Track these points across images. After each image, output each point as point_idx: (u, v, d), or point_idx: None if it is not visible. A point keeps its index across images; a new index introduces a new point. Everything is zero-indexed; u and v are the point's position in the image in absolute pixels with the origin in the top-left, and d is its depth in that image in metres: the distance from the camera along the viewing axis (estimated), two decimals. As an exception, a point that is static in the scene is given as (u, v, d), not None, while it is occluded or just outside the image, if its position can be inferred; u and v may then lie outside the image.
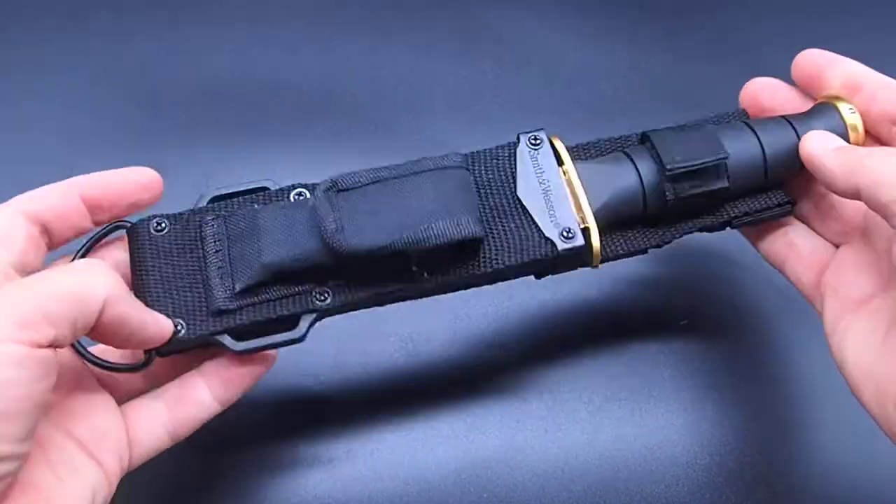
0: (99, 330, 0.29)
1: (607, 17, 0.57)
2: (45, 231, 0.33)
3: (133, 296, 0.31)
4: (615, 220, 0.36)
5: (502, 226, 0.35)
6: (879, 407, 0.32)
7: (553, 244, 0.34)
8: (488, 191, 0.35)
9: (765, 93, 0.40)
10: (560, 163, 0.36)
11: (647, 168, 0.36)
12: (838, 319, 0.35)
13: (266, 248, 0.33)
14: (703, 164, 0.35)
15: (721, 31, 0.57)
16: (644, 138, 0.37)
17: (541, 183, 0.35)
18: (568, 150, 0.37)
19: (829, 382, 0.39)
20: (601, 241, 0.35)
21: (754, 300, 0.47)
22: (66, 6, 0.56)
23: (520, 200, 0.35)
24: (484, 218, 0.35)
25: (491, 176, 0.36)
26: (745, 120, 0.39)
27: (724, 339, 0.46)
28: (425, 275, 0.34)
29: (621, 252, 0.37)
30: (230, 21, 0.56)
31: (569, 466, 0.42)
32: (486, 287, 0.37)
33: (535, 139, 0.36)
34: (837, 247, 0.38)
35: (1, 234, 0.31)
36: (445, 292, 0.35)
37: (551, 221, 0.35)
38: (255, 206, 0.35)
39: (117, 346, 0.32)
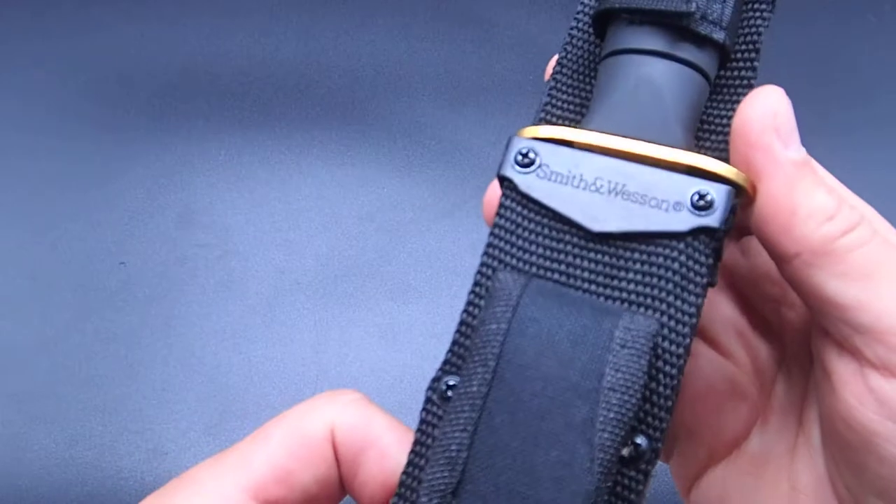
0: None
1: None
2: None
3: None
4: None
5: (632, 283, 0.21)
6: None
7: (696, 229, 0.21)
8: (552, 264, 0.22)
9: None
10: (568, 145, 0.23)
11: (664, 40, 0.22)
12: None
13: None
14: None
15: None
16: (601, 20, 0.24)
17: (596, 187, 0.22)
18: (551, 121, 0.25)
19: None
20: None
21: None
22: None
23: (605, 233, 0.22)
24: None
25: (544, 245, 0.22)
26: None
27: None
28: None
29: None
30: (198, 7, 0.54)
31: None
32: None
33: (525, 156, 0.22)
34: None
35: None
36: None
37: (661, 209, 0.21)
38: None
39: None
